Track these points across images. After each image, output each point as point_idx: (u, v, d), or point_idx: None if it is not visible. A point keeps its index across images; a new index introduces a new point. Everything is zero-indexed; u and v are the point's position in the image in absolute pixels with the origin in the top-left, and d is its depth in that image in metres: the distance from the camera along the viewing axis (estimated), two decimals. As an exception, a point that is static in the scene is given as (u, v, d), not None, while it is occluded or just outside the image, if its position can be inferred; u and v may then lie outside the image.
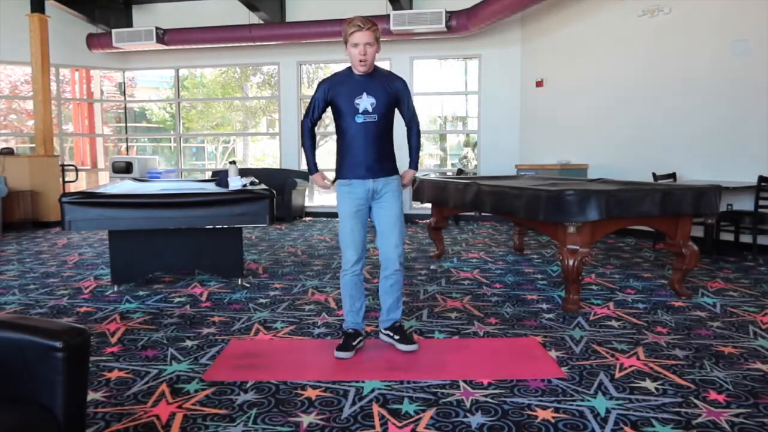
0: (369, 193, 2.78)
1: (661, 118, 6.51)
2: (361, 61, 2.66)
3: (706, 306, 3.70)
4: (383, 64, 2.87)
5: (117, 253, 4.23)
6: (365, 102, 2.70)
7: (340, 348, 2.80)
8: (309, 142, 2.90)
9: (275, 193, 4.27)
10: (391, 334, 2.87)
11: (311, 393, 2.40)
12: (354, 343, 2.81)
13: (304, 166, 9.61)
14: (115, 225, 4.04)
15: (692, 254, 3.85)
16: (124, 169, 9.19)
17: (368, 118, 2.70)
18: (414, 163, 2.98)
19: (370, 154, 2.74)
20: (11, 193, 7.68)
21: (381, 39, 2.77)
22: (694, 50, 6.12)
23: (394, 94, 2.79)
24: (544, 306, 3.76)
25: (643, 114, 6.71)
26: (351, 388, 2.45)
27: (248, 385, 2.49)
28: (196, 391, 2.44)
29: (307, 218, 9.17)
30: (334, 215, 8.99)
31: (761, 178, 5.06)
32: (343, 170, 2.81)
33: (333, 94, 2.75)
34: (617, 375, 2.56)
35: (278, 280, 4.61)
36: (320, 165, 2.96)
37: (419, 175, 6.62)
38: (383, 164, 2.78)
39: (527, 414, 2.19)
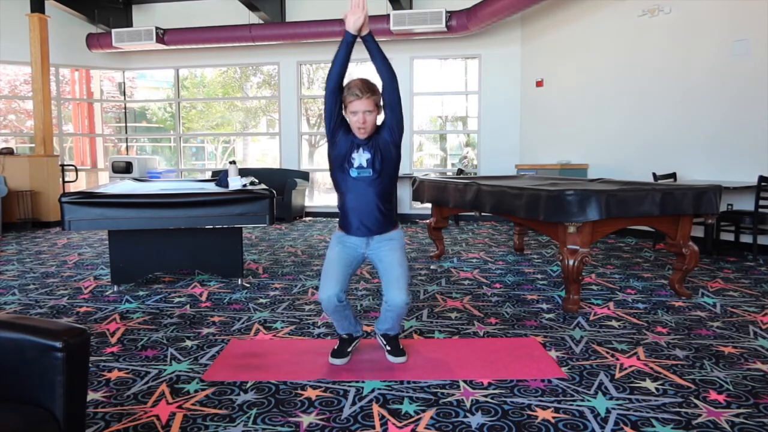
0: (364, 244, 2.68)
1: (661, 117, 6.51)
2: (360, 128, 2.54)
3: (707, 306, 3.70)
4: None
5: (117, 253, 4.23)
6: (361, 157, 2.59)
7: (334, 354, 2.78)
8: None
9: (275, 193, 4.27)
10: (384, 342, 2.85)
11: (311, 393, 2.40)
12: (348, 349, 2.80)
13: (304, 166, 9.62)
14: (115, 225, 4.03)
15: (692, 254, 3.86)
16: (123, 169, 9.20)
17: (362, 173, 2.58)
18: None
19: (364, 211, 2.62)
20: (11, 193, 7.69)
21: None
22: (694, 50, 6.12)
23: (383, 140, 2.61)
24: (544, 306, 3.76)
25: (644, 114, 6.71)
26: (351, 388, 2.45)
27: (248, 385, 2.49)
28: (196, 391, 2.44)
29: (307, 218, 9.17)
30: (335, 215, 9.05)
31: (761, 178, 5.05)
32: (341, 223, 2.73)
33: (341, 130, 2.61)
34: (617, 375, 2.56)
35: (278, 280, 4.61)
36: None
37: (419, 175, 6.62)
38: (380, 222, 2.65)
39: (527, 414, 2.19)
